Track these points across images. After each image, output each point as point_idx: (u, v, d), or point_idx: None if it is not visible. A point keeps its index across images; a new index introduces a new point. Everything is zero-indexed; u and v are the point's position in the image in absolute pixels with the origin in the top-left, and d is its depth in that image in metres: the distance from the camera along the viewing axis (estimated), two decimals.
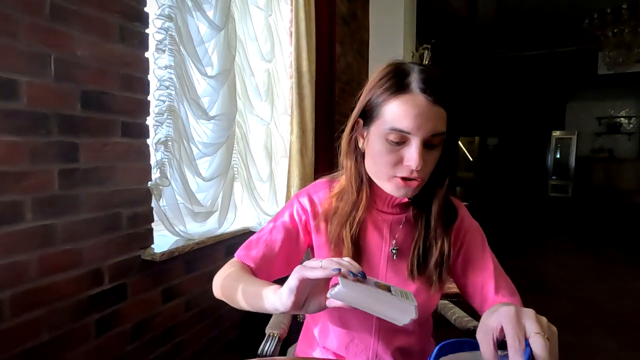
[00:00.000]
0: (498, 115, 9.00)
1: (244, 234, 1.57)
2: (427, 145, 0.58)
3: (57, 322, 0.90)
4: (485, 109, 9.03)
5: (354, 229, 0.65)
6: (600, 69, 6.08)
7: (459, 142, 9.91)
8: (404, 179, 0.60)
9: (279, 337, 0.83)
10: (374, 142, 0.61)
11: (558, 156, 8.24)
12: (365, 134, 0.64)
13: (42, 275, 0.87)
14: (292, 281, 0.46)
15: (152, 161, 1.17)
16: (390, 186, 0.62)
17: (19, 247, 0.82)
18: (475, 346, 0.45)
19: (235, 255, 0.69)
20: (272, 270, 0.68)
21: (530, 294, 2.69)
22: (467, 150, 10.10)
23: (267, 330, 0.85)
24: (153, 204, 1.16)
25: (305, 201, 0.71)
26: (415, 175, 0.58)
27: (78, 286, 0.95)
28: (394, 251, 0.67)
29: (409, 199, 0.64)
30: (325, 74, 2.14)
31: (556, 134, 8.31)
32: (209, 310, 1.43)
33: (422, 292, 0.65)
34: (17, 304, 0.82)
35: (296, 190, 1.81)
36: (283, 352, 0.90)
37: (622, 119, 8.16)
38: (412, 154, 0.57)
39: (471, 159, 10.03)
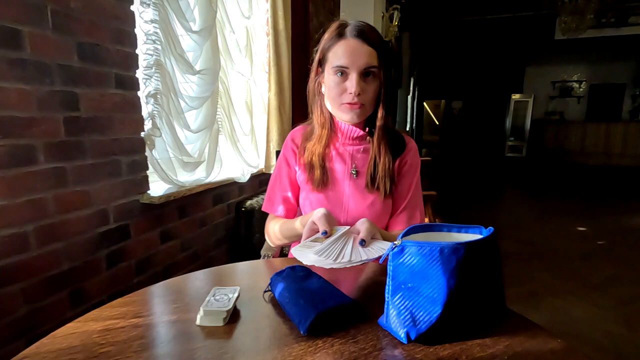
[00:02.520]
0: (463, 79, 9.31)
1: (229, 184, 1.70)
2: (363, 76, 0.76)
3: (74, 254, 1.02)
4: (451, 73, 9.29)
5: (322, 155, 0.85)
6: (557, 34, 6.40)
7: (426, 106, 10.21)
8: (349, 104, 0.78)
9: (272, 256, 1.00)
10: (327, 80, 0.80)
11: (515, 119, 8.73)
12: (323, 77, 0.82)
13: (59, 212, 0.97)
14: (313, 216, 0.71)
15: (144, 113, 1.25)
16: (340, 112, 0.81)
17: (36, 186, 0.91)
18: (437, 228, 0.61)
19: (263, 209, 0.93)
20: (293, 205, 0.91)
21: None
22: (433, 114, 10.42)
23: (262, 252, 1.02)
24: (147, 153, 1.26)
25: (289, 146, 0.90)
26: (356, 100, 0.77)
27: (89, 224, 1.06)
28: (353, 172, 0.85)
29: (360, 127, 0.83)
30: (299, 32, 2.20)
31: (515, 97, 8.76)
32: (200, 252, 1.58)
33: (377, 201, 0.83)
34: (40, 236, 0.93)
35: (276, 145, 1.94)
36: None
37: (573, 83, 8.73)
38: (351, 83, 0.76)
39: (437, 123, 10.40)
